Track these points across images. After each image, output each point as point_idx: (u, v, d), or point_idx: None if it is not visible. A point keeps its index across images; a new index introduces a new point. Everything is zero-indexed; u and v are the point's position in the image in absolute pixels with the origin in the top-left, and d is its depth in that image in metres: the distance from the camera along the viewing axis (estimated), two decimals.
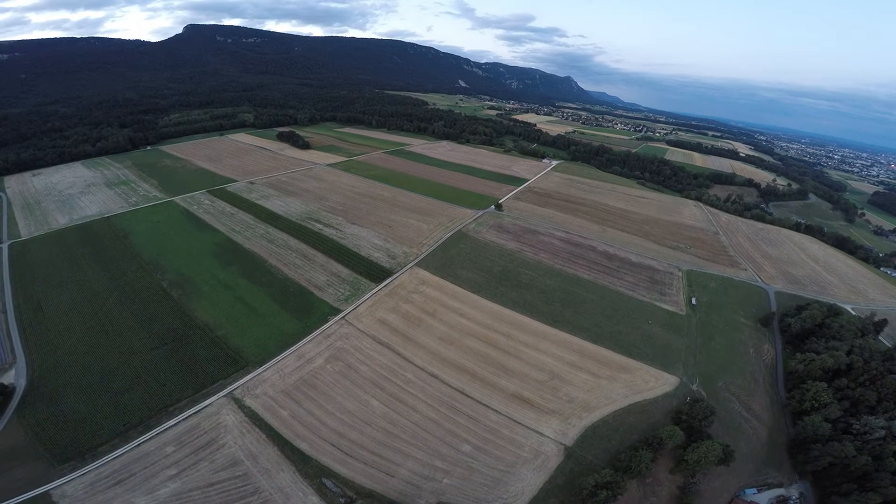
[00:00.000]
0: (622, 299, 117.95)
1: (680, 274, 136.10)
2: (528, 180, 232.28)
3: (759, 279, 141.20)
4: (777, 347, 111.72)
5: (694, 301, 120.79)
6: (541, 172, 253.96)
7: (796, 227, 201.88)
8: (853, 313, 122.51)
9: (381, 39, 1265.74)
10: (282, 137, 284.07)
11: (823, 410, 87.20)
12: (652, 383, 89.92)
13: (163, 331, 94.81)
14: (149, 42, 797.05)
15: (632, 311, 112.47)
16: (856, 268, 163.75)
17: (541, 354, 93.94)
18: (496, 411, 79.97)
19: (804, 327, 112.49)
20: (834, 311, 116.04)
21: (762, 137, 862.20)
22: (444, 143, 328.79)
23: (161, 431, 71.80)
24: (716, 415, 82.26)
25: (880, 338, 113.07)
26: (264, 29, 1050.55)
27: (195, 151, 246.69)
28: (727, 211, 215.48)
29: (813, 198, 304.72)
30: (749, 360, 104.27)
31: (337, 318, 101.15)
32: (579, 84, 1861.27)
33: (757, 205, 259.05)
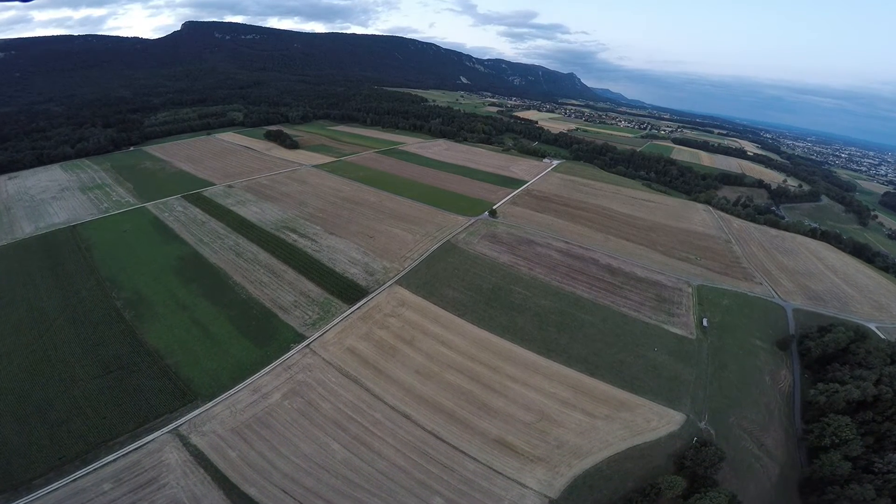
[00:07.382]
0: (625, 322, 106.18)
1: (690, 290, 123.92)
2: (526, 182, 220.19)
3: (775, 295, 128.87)
4: (795, 373, 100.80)
5: (705, 322, 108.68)
6: (541, 173, 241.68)
7: (812, 234, 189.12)
8: (881, 336, 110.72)
9: (383, 36, 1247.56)
10: (269, 136, 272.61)
11: (844, 447, 77.34)
12: (655, 423, 79.17)
13: (108, 357, 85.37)
14: (147, 39, 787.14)
15: (636, 336, 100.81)
16: (876, 278, 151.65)
17: (530, 391, 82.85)
18: (474, 459, 69.70)
19: (826, 352, 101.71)
20: (861, 335, 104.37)
21: (768, 135, 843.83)
22: (441, 141, 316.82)
23: (99, 467, 64.93)
24: (725, 459, 72.06)
25: None
26: (265, 26, 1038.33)
27: (178, 152, 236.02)
28: (738, 215, 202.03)
29: (825, 199, 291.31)
30: (764, 389, 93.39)
31: (301, 346, 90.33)
32: (582, 81, 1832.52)
33: (768, 207, 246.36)
